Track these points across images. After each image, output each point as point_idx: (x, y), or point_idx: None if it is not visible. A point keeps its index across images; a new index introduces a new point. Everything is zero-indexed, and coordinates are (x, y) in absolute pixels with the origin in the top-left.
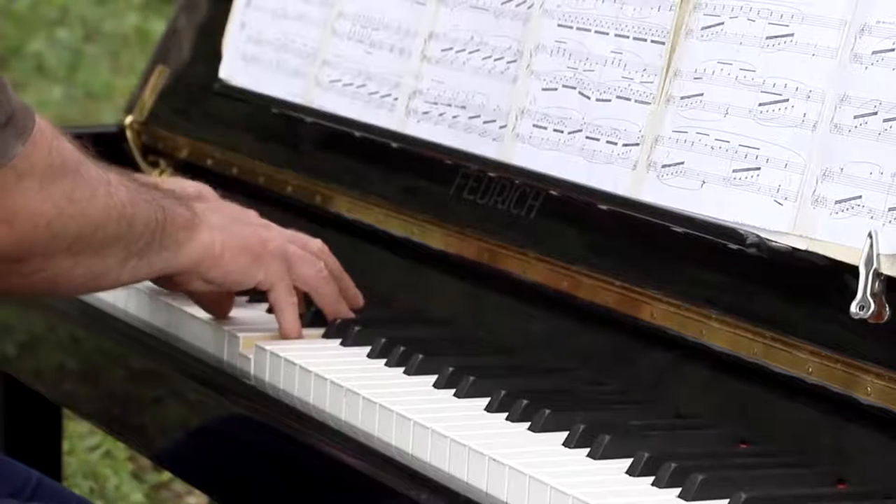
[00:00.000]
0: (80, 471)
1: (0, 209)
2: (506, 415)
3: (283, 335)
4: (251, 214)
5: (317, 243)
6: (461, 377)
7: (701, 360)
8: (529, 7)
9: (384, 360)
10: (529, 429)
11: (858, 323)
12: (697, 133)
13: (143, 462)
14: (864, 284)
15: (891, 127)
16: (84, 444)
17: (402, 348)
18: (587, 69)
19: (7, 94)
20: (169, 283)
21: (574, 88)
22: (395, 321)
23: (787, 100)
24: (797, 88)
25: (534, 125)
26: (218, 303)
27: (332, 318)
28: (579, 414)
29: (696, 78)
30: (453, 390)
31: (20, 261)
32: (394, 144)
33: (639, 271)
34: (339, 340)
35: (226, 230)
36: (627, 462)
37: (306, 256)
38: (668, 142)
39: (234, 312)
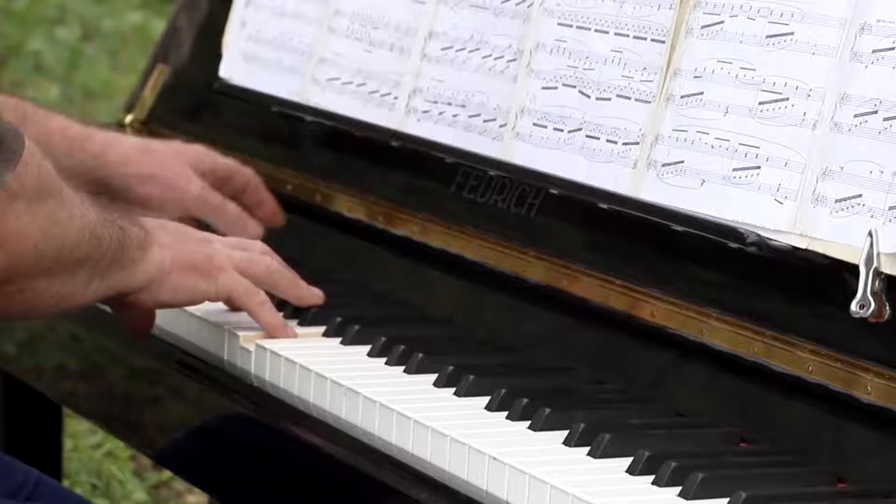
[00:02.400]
0: (84, 468)
1: None
2: (506, 413)
3: (269, 334)
4: (191, 230)
5: (258, 244)
6: (461, 376)
7: (701, 359)
8: (529, 6)
9: (384, 359)
10: (529, 427)
11: (859, 322)
12: (697, 132)
13: (144, 461)
14: (865, 283)
15: (891, 126)
16: (87, 441)
17: (402, 347)
18: (587, 68)
19: None
20: (118, 305)
21: (574, 87)
22: (395, 320)
23: (788, 98)
24: (797, 87)
25: (534, 124)
26: (140, 320)
27: (300, 305)
28: (579, 413)
29: (696, 77)
30: (453, 389)
31: (6, 282)
32: (394, 143)
33: (639, 270)
34: (339, 339)
35: (174, 248)
36: (628, 461)
37: (252, 257)
38: (669, 140)
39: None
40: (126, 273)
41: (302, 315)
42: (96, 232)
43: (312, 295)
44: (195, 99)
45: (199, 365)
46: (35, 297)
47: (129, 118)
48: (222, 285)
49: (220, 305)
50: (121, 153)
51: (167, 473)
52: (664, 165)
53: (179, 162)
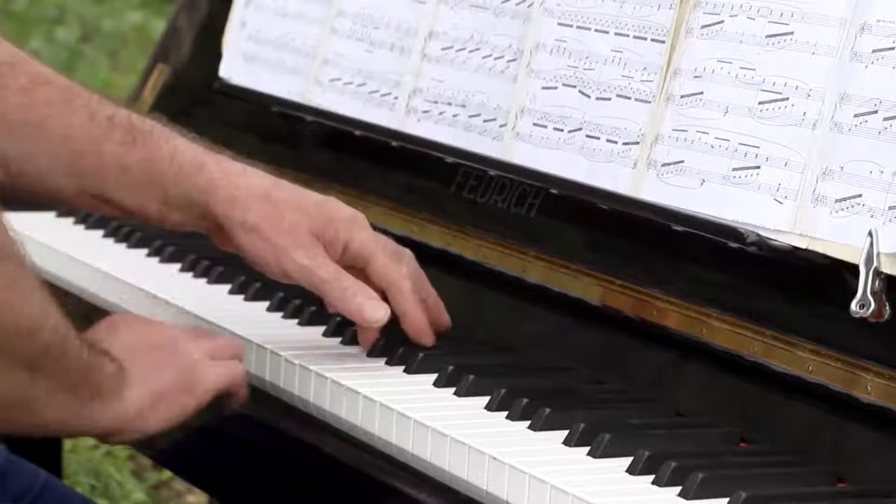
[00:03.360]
0: (83, 469)
1: None
2: (506, 413)
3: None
4: (152, 331)
5: (224, 338)
6: (461, 376)
7: (701, 359)
8: (529, 6)
9: (384, 359)
10: (529, 427)
11: (859, 321)
12: (697, 132)
13: (144, 461)
14: (865, 283)
15: (891, 125)
16: (86, 442)
17: (402, 347)
18: (587, 68)
19: None
20: (110, 441)
21: (574, 87)
22: (394, 320)
23: (787, 98)
24: (797, 87)
25: (534, 124)
26: None
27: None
28: (579, 413)
29: (696, 76)
30: (453, 389)
31: None
32: (394, 143)
33: (639, 270)
34: (338, 339)
35: (148, 382)
36: (628, 461)
37: (219, 344)
38: (668, 140)
39: None
40: (102, 403)
41: (301, 314)
42: (60, 325)
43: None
44: (195, 99)
45: None
46: None
47: None
48: (207, 391)
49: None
50: (229, 193)
51: (167, 473)
52: (664, 165)
53: (298, 217)
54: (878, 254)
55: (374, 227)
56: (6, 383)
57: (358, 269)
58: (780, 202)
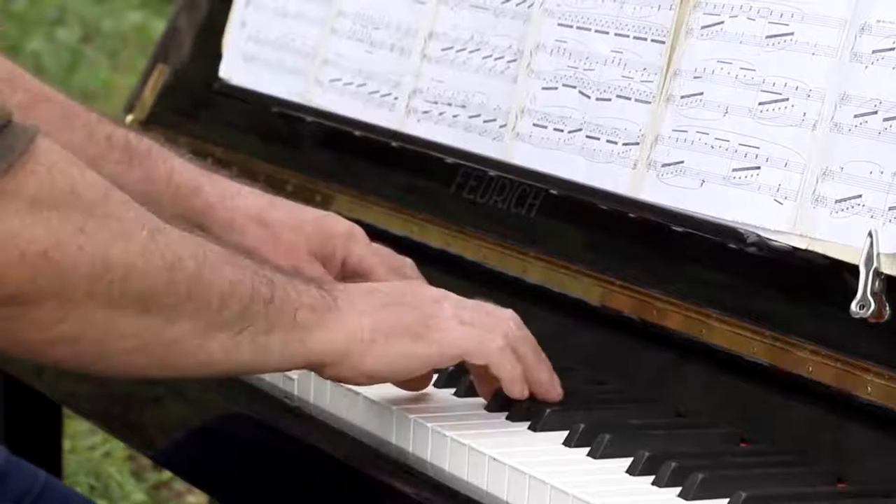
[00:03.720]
0: (82, 469)
1: None
2: (506, 414)
3: (507, 389)
4: (415, 290)
5: (505, 313)
6: (461, 376)
7: (701, 359)
8: (530, 6)
9: None
10: (529, 428)
11: (858, 322)
12: (697, 132)
13: (143, 461)
14: (865, 283)
15: (891, 126)
16: (85, 442)
17: None
18: (587, 68)
19: None
20: (322, 375)
21: (574, 87)
22: None
23: (787, 99)
24: (797, 87)
25: (534, 124)
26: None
27: (515, 399)
28: (579, 413)
29: (696, 77)
30: (453, 389)
31: (22, 301)
32: (394, 143)
33: (639, 270)
34: None
35: (375, 313)
36: (628, 461)
37: (483, 320)
38: (668, 141)
39: None
40: (288, 336)
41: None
42: (184, 265)
43: (522, 393)
44: (195, 99)
45: None
46: (94, 332)
47: (129, 118)
48: (448, 345)
49: None
50: (225, 217)
51: (167, 474)
52: (664, 166)
53: (295, 238)
54: (878, 254)
55: (374, 228)
56: (127, 325)
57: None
58: (780, 203)
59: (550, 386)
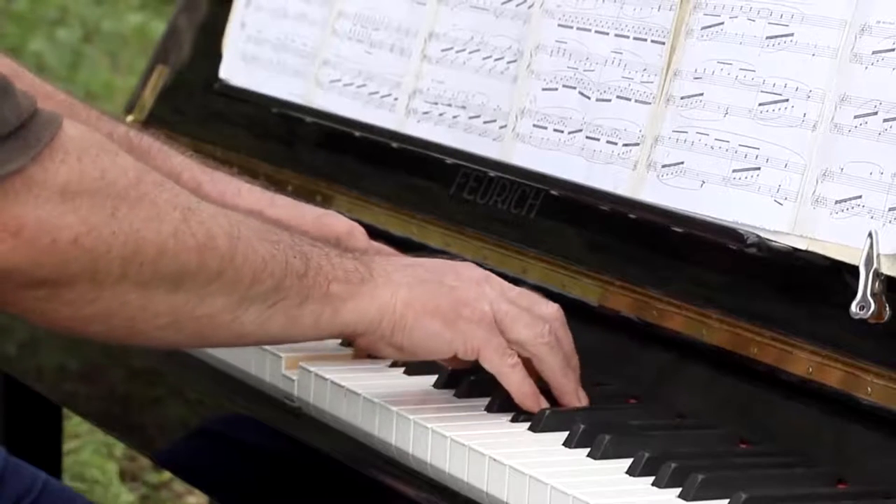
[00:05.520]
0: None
1: (2, 219)
2: (506, 416)
3: (520, 403)
4: (458, 270)
5: (550, 307)
6: (461, 377)
7: (701, 360)
8: (530, 7)
9: (386, 362)
10: (530, 429)
11: (858, 323)
12: (697, 133)
13: (143, 462)
14: (864, 284)
15: (891, 127)
16: (80, 443)
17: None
18: (587, 69)
19: (12, 103)
20: (357, 347)
21: (574, 88)
22: None
23: (787, 100)
24: (797, 88)
25: (534, 125)
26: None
27: (556, 393)
28: (579, 414)
29: (696, 78)
30: (453, 390)
31: (55, 283)
32: (394, 144)
33: (639, 271)
34: (338, 341)
35: (411, 289)
36: (628, 462)
37: (522, 316)
38: (668, 142)
39: None
40: (322, 308)
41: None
42: (216, 244)
43: (573, 391)
44: (195, 100)
45: (197, 363)
46: (128, 311)
47: (129, 119)
48: (471, 339)
49: None
50: None
51: (166, 475)
52: (664, 167)
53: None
54: (878, 255)
55: (375, 229)
56: (160, 303)
57: None
58: (780, 203)
59: (573, 397)
